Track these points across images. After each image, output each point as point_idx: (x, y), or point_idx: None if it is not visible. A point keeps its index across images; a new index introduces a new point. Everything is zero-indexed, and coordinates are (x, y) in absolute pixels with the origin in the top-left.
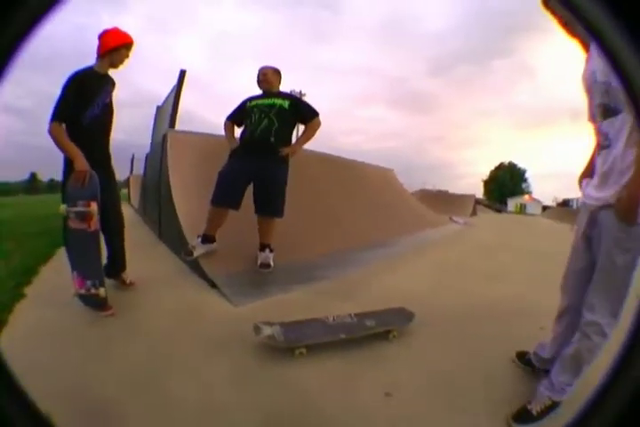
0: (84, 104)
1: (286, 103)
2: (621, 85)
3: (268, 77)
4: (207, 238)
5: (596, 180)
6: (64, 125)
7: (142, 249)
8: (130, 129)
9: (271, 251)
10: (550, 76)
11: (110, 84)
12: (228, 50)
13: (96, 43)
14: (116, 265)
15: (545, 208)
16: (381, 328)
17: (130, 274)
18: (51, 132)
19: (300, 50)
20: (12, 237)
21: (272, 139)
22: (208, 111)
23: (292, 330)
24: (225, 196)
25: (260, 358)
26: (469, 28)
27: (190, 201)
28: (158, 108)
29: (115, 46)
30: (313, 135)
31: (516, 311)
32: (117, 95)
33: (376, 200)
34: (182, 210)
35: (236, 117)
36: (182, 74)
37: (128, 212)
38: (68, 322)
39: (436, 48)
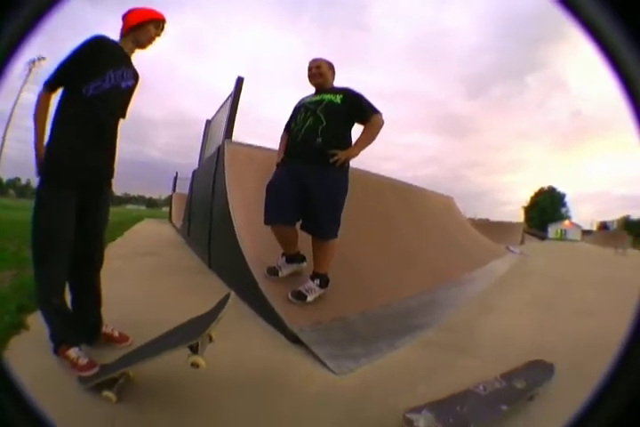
0: (91, 72)
1: (338, 97)
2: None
3: (322, 71)
4: (291, 258)
5: None
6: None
7: (187, 277)
8: (166, 148)
9: (322, 284)
10: (583, 88)
11: (132, 70)
12: (265, 73)
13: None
14: (95, 317)
15: (584, 233)
16: (532, 390)
17: (174, 310)
18: (39, 99)
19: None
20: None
21: (319, 139)
22: (250, 138)
23: (446, 414)
24: (274, 211)
25: None
26: (501, 41)
27: (254, 224)
28: (208, 122)
29: (140, 22)
30: (374, 137)
31: None
32: (153, 113)
33: (444, 231)
34: (245, 234)
35: (289, 125)
36: (239, 81)
37: (169, 230)
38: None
39: (471, 65)
